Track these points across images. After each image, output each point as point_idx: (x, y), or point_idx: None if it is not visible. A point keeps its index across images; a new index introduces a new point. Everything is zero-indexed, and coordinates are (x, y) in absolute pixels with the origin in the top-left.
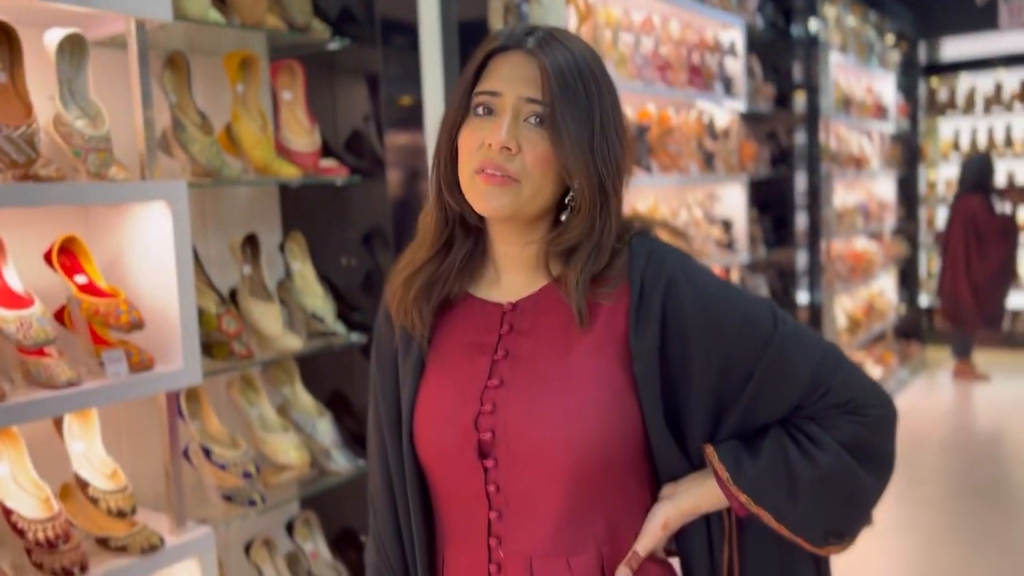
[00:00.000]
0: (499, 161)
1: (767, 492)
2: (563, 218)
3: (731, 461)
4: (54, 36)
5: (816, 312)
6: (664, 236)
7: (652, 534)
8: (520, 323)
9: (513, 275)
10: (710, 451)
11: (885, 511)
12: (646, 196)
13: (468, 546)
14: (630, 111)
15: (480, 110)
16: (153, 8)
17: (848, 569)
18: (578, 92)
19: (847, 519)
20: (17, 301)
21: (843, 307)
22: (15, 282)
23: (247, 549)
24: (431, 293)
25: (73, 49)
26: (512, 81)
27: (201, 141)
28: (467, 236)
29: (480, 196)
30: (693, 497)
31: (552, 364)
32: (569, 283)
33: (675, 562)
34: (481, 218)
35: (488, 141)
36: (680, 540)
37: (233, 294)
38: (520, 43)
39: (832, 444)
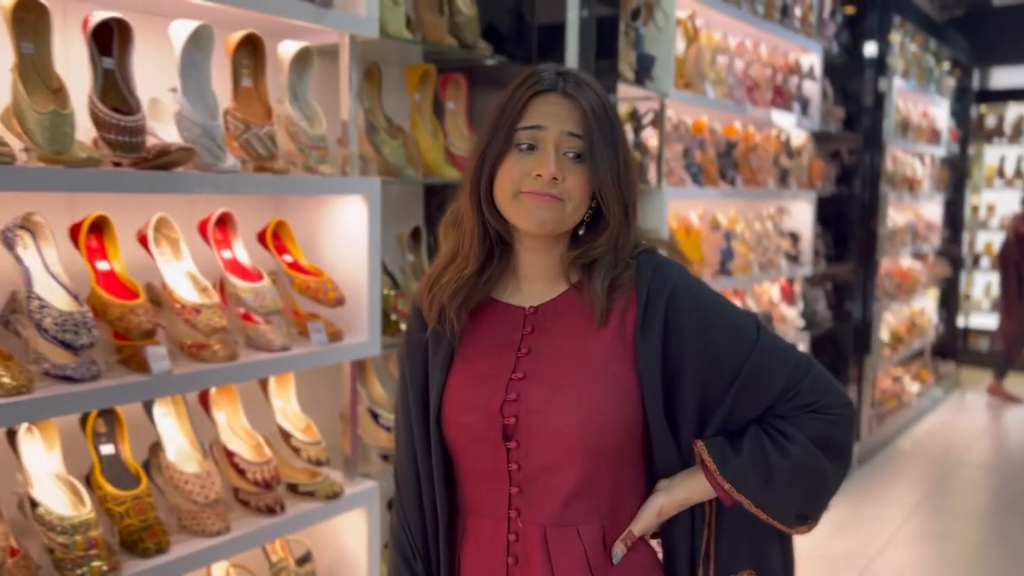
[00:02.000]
0: (547, 189)
1: (748, 481)
2: (580, 232)
3: (718, 454)
4: (289, 48)
5: (866, 326)
6: (665, 252)
7: (647, 519)
8: (541, 324)
9: (535, 282)
10: (700, 445)
11: (928, 520)
12: (727, 207)
13: (490, 517)
14: (718, 127)
15: (524, 145)
16: (364, 26)
17: (897, 571)
18: (607, 128)
19: (814, 503)
20: (250, 275)
21: (887, 323)
22: (244, 257)
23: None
24: (469, 302)
25: (301, 60)
26: (553, 118)
27: (391, 144)
28: (504, 250)
29: (527, 212)
30: (686, 490)
31: (569, 360)
32: (593, 288)
33: (655, 544)
34: (512, 233)
35: (537, 172)
36: (666, 525)
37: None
38: (555, 86)
39: (801, 438)
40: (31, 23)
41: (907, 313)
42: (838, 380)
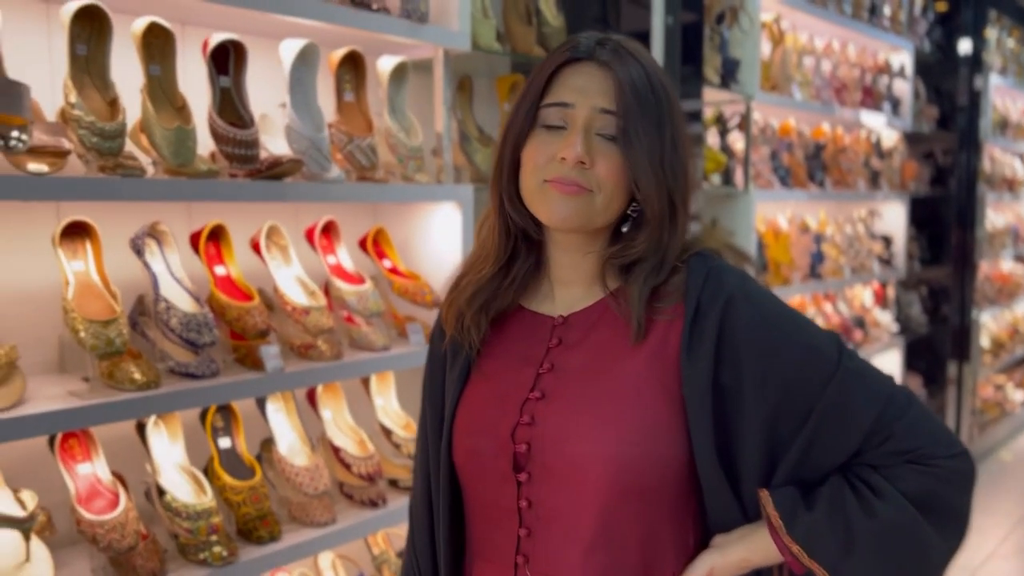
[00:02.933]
0: (573, 176)
1: (823, 545)
2: (623, 229)
3: (786, 508)
4: (387, 63)
5: (964, 331)
6: (730, 257)
7: None
8: (570, 336)
9: (568, 288)
10: (765, 496)
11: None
12: (816, 210)
13: (495, 563)
14: (806, 129)
15: (550, 122)
16: (457, 40)
17: None
18: (650, 105)
19: None
20: (354, 279)
21: (987, 328)
22: (348, 262)
23: None
24: (491, 307)
25: (398, 74)
26: (584, 93)
27: (483, 152)
28: (530, 250)
29: (550, 205)
30: (743, 548)
31: (598, 379)
32: (631, 296)
33: None
34: (542, 231)
35: (561, 155)
36: None
37: None
38: (591, 54)
39: (895, 495)
40: (158, 47)
41: (1009, 318)
42: (935, 387)
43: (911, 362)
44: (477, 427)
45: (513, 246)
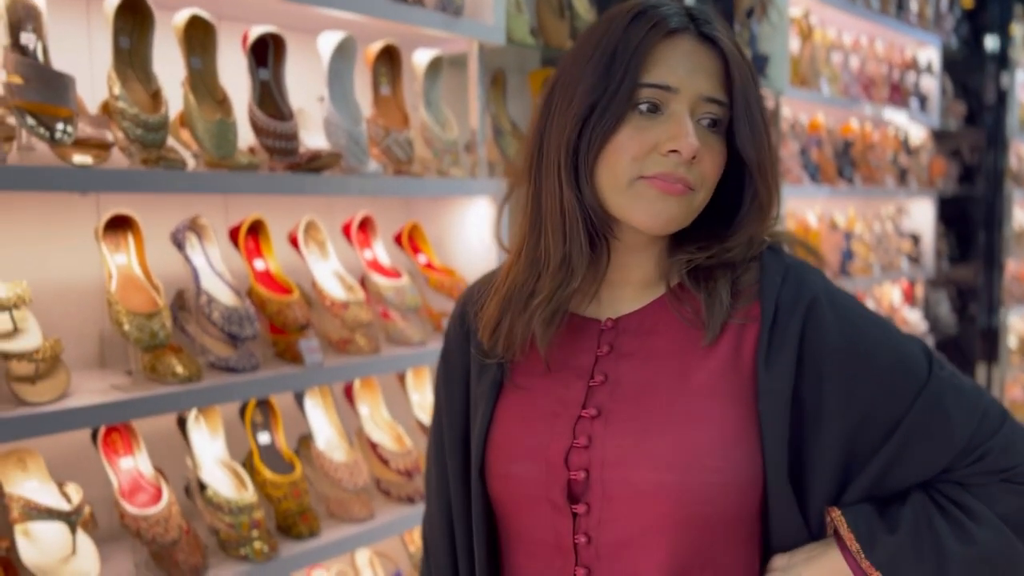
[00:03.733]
0: (682, 172)
1: (907, 571)
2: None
3: (864, 529)
4: (423, 57)
5: (992, 331)
6: (795, 252)
7: None
8: (623, 344)
9: (618, 288)
10: (837, 515)
11: None
12: (845, 207)
13: None
14: (834, 124)
15: (645, 107)
16: (492, 34)
17: None
18: (755, 91)
19: None
20: (391, 273)
21: (1016, 329)
22: (384, 257)
23: None
24: (557, 318)
25: (433, 68)
26: (690, 74)
27: (516, 146)
28: (594, 250)
29: (650, 206)
30: (814, 572)
31: (663, 394)
32: (716, 296)
33: None
34: (612, 228)
35: (672, 146)
36: None
37: None
38: (688, 25)
39: (992, 518)
40: (199, 40)
41: None
42: None
43: None
44: (520, 451)
45: (579, 247)
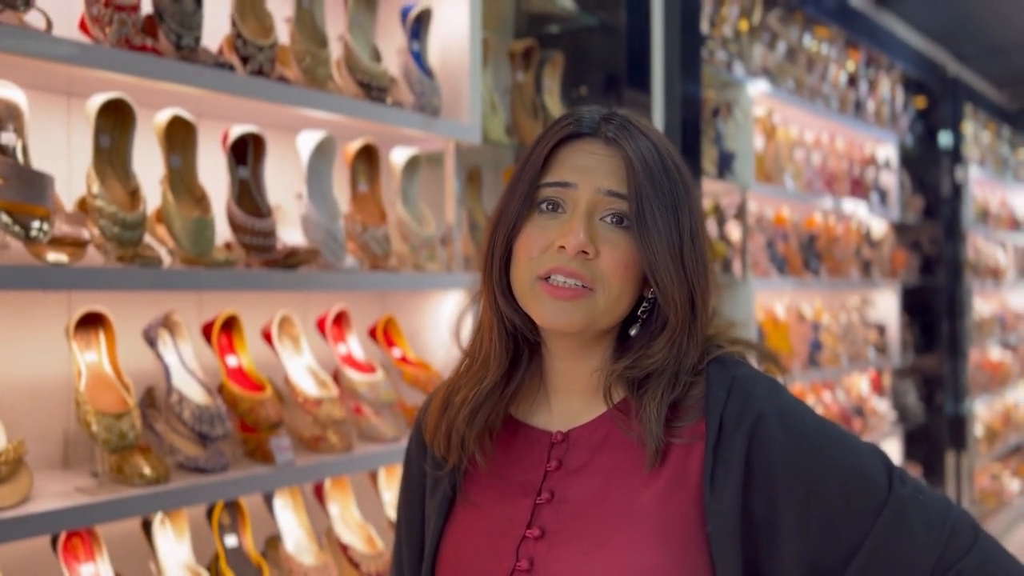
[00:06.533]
0: (573, 267)
1: None
2: (631, 332)
3: None
4: (400, 156)
5: (959, 420)
6: (752, 358)
7: None
8: (572, 458)
9: (567, 398)
10: None
11: None
12: (812, 298)
13: None
14: (799, 218)
15: (546, 206)
16: (468, 133)
17: None
18: (664, 187)
19: None
20: (365, 368)
21: (980, 417)
22: (359, 351)
23: None
24: (494, 424)
25: (411, 166)
26: (588, 172)
27: None
28: (532, 353)
29: (543, 309)
30: None
31: (609, 515)
32: (644, 414)
33: None
34: (538, 331)
35: (560, 243)
36: None
37: None
38: (596, 129)
39: None
40: (179, 139)
41: (1000, 406)
42: (935, 477)
43: (911, 452)
44: (464, 572)
45: (515, 349)
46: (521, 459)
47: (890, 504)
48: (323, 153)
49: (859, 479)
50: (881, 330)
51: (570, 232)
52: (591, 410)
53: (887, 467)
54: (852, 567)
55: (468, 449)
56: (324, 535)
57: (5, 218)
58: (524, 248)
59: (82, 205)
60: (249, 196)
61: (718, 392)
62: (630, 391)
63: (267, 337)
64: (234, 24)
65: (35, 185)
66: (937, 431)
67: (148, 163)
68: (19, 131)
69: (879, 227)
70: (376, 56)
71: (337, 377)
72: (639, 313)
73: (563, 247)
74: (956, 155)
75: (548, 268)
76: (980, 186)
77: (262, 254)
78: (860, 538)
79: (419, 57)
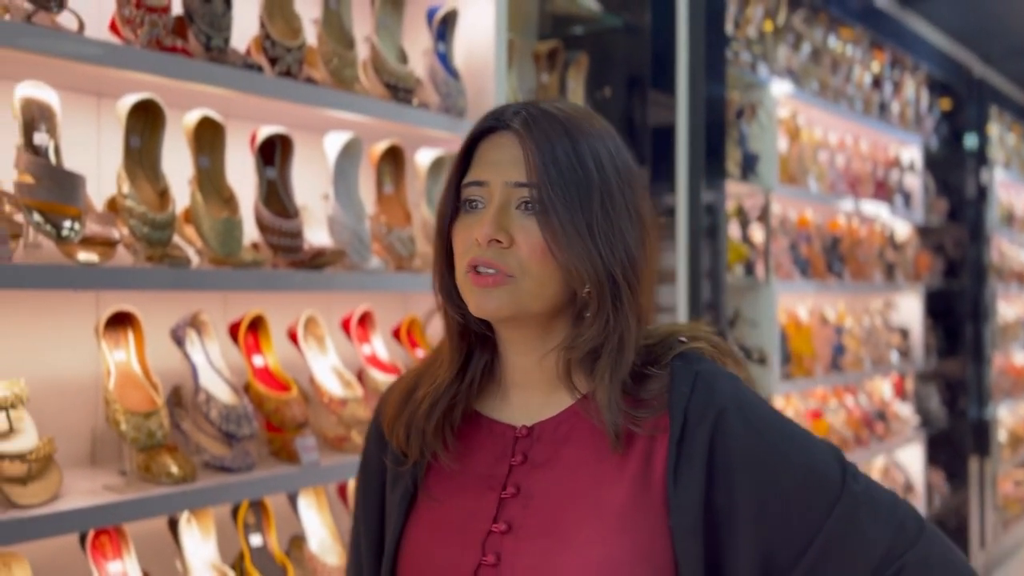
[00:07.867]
0: (490, 257)
1: None
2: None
3: None
4: (425, 157)
5: (983, 425)
6: (713, 353)
7: None
8: (536, 453)
9: (528, 392)
10: None
11: None
12: (835, 302)
13: None
14: (822, 221)
15: (468, 204)
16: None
17: None
18: (573, 171)
19: None
20: (389, 368)
21: (1005, 423)
22: (383, 352)
23: None
24: (453, 418)
25: (436, 167)
26: (498, 166)
27: None
28: (484, 347)
29: (473, 298)
30: None
31: (574, 508)
32: (599, 398)
33: None
34: (489, 325)
35: (475, 236)
36: None
37: None
38: (507, 123)
39: None
40: (208, 139)
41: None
42: (957, 482)
43: (933, 457)
44: (430, 568)
45: (468, 345)
46: (485, 454)
47: (843, 500)
48: (349, 154)
49: (814, 476)
50: (904, 334)
51: (479, 224)
52: (556, 404)
53: (841, 464)
54: (805, 559)
55: (429, 444)
56: (348, 535)
57: (37, 217)
58: (456, 244)
59: (112, 205)
60: (276, 197)
61: (682, 387)
62: (589, 378)
63: (293, 337)
64: (263, 25)
65: (67, 185)
66: (960, 436)
67: (177, 163)
68: (51, 131)
69: (903, 230)
70: (402, 57)
71: (362, 377)
72: (585, 295)
73: (477, 240)
74: (981, 157)
75: (470, 260)
76: (1005, 188)
77: (289, 255)
78: (813, 532)
79: (445, 58)
